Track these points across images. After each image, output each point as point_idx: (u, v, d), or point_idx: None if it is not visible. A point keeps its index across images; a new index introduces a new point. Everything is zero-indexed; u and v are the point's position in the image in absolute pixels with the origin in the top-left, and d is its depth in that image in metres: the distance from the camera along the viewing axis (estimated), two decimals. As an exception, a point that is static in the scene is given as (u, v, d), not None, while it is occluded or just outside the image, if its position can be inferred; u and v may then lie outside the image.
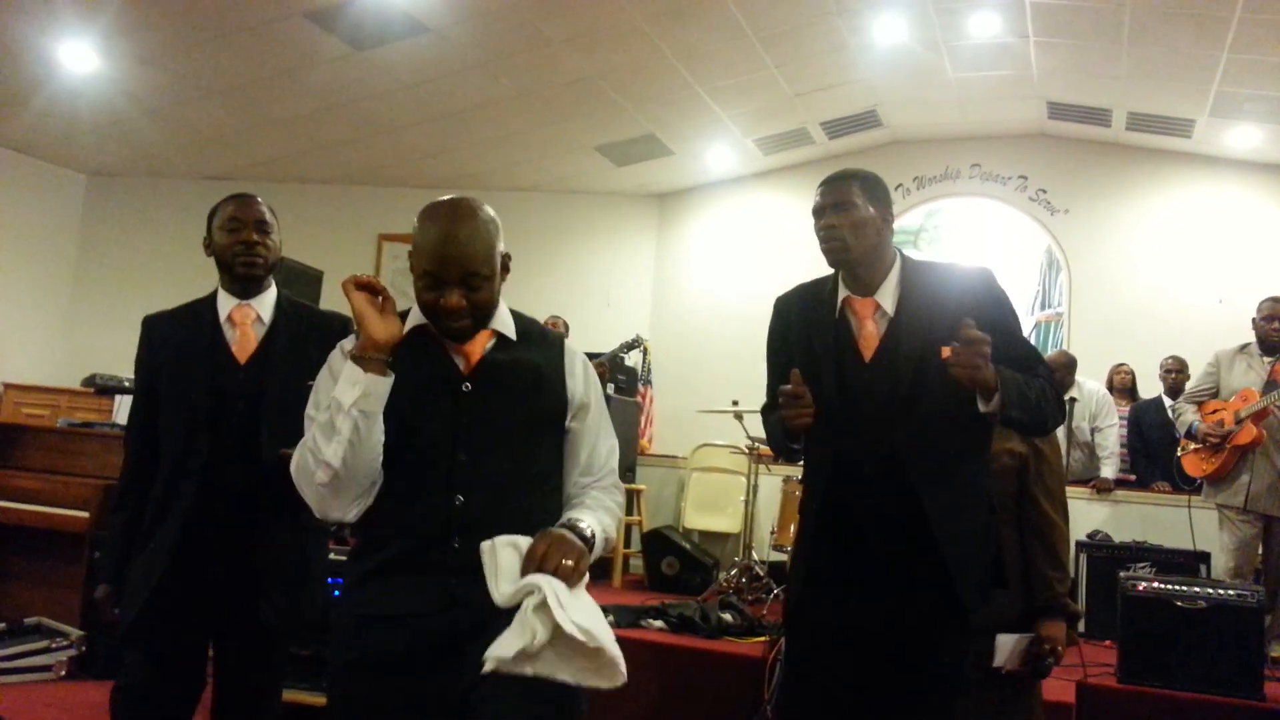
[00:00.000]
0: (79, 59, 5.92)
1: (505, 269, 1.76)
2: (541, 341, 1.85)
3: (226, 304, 2.30)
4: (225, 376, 2.24)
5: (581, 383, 1.85)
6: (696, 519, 6.14)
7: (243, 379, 2.25)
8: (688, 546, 5.53)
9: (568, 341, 1.87)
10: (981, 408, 1.98)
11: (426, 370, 1.72)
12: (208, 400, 2.22)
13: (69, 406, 6.69)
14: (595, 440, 1.85)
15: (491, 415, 1.71)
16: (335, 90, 6.38)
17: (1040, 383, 2.07)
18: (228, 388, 2.23)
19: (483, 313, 1.72)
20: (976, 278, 2.16)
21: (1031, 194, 7.50)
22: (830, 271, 2.24)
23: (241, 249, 2.27)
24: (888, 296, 2.15)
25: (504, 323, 1.80)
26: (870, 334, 2.14)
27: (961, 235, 7.75)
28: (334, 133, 7.12)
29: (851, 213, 2.14)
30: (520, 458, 1.73)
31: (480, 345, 1.76)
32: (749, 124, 7.22)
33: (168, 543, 2.16)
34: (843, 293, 2.19)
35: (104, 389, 6.59)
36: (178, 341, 2.30)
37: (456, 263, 1.66)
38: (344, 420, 1.57)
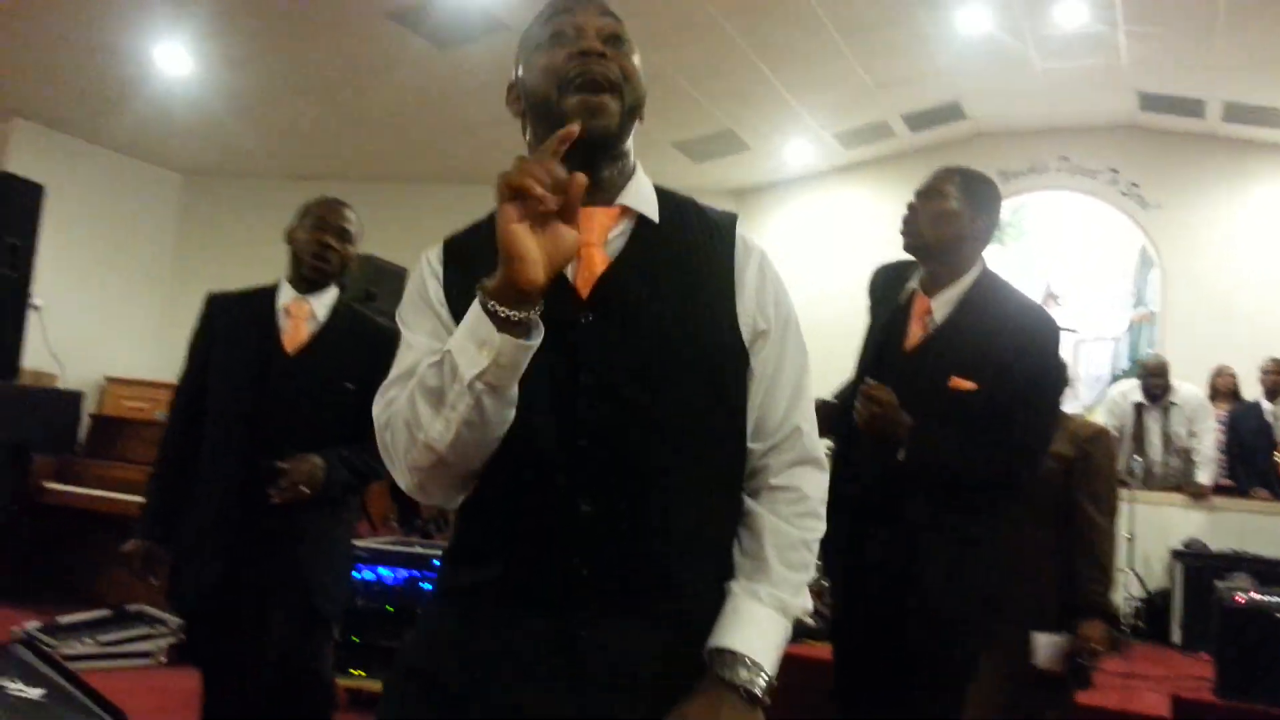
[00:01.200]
0: (174, 61, 6.13)
1: (639, 111, 1.22)
2: (700, 225, 1.26)
3: (286, 295, 2.39)
4: (271, 365, 2.32)
5: (755, 293, 1.24)
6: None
7: (286, 370, 2.32)
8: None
9: (740, 229, 1.29)
10: (898, 455, 1.97)
11: None
12: (250, 385, 2.31)
13: (167, 399, 6.94)
14: (771, 384, 1.24)
15: (629, 363, 1.14)
16: (419, 89, 6.50)
17: (981, 452, 2.00)
18: (270, 376, 2.30)
19: (627, 115, 1.19)
20: (1034, 327, 2.09)
21: (1123, 188, 7.29)
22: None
23: (316, 247, 2.36)
24: (944, 305, 2.10)
25: (641, 196, 1.23)
26: (914, 334, 2.11)
27: (1049, 230, 7.56)
28: (418, 131, 7.25)
29: (937, 202, 2.10)
30: (678, 421, 1.16)
31: (602, 232, 1.19)
32: (828, 117, 7.16)
33: (218, 541, 2.23)
34: (914, 284, 2.16)
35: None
36: (234, 322, 2.41)
37: (595, 2, 1.23)
38: (461, 395, 1.06)
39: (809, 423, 1.27)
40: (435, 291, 1.23)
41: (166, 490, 2.38)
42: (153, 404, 6.96)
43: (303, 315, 2.37)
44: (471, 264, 1.16)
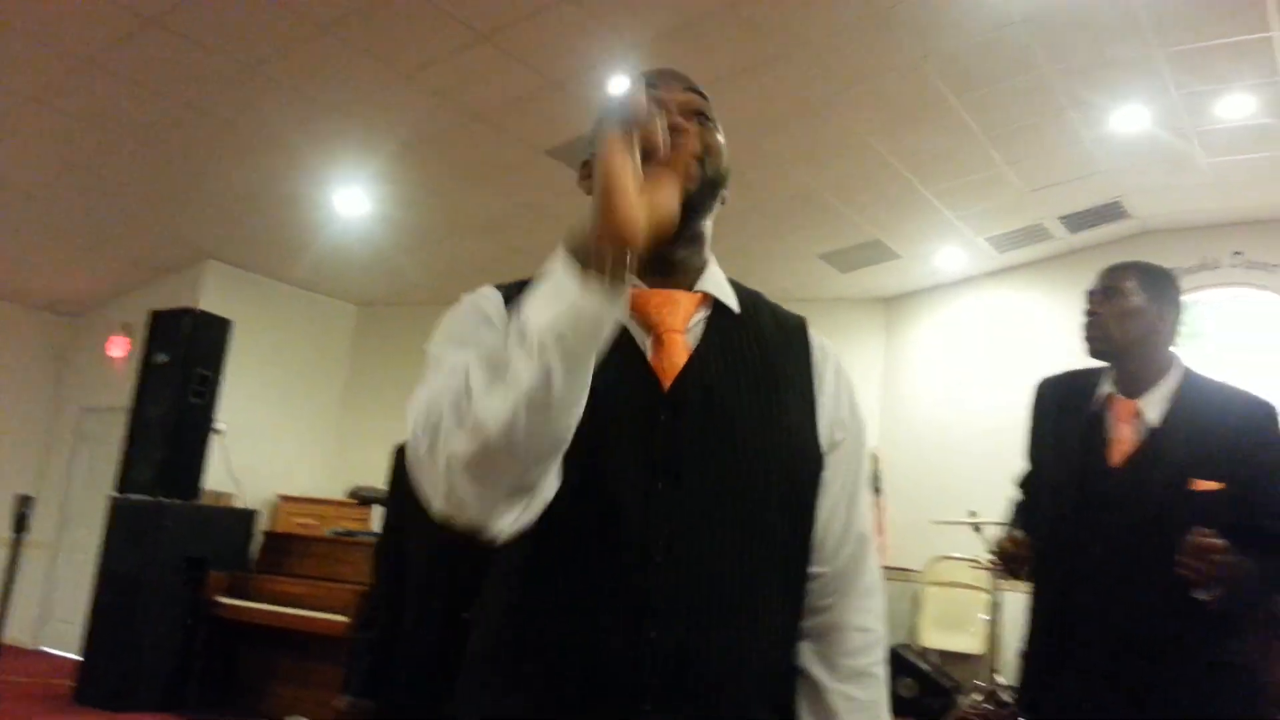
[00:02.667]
0: (352, 203, 6.59)
1: (720, 190, 1.16)
2: (776, 322, 1.19)
3: None
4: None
5: (833, 399, 1.16)
6: (935, 637, 5.83)
7: None
8: (926, 668, 5.24)
9: (811, 330, 1.23)
10: (1200, 595, 1.76)
11: (612, 361, 0.97)
12: (445, 542, 2.32)
13: (335, 516, 7.24)
14: (842, 495, 1.14)
15: (708, 472, 1.04)
16: (574, 218, 6.75)
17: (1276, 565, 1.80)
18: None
19: (707, 189, 1.11)
20: (1259, 413, 1.96)
21: (1304, 281, 6.86)
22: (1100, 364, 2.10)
23: None
24: (1155, 404, 1.98)
25: (720, 284, 1.16)
26: (1125, 439, 1.97)
27: (1227, 328, 7.14)
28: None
29: (1119, 301, 2.00)
30: (756, 537, 1.06)
31: (684, 317, 1.10)
32: (980, 223, 7.04)
33: (417, 693, 2.23)
34: (1106, 388, 2.04)
35: (365, 500, 7.09)
36: None
37: (680, 78, 1.17)
38: (527, 358, 0.86)
39: (869, 531, 1.18)
40: (497, 308, 1.13)
41: (376, 644, 2.41)
42: (321, 520, 7.27)
43: None
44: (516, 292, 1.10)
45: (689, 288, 1.14)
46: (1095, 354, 2.04)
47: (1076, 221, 7.08)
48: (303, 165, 6.13)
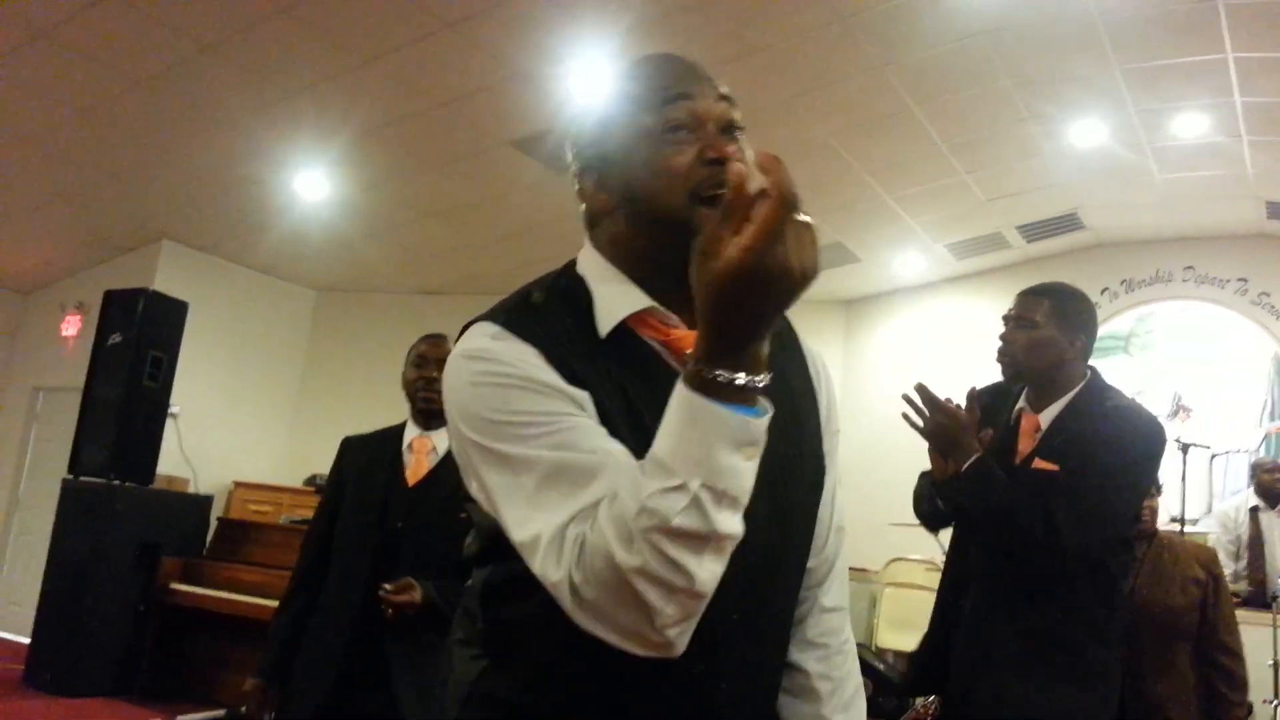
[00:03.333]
0: (312, 187, 6.54)
1: None
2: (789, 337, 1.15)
3: (411, 432, 2.51)
4: (394, 496, 2.40)
5: (828, 403, 1.16)
6: (890, 638, 5.91)
7: (405, 501, 2.40)
8: (881, 667, 5.32)
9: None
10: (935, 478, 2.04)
11: (658, 406, 0.87)
12: (375, 519, 2.39)
13: (291, 504, 7.19)
14: (830, 491, 1.16)
15: (758, 502, 0.91)
16: (536, 211, 6.76)
17: (1039, 511, 1.94)
18: (392, 508, 2.38)
19: None
20: (1127, 425, 2.06)
21: (1253, 298, 7.01)
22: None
23: (422, 384, 2.48)
24: (1049, 418, 2.14)
25: None
26: (1023, 451, 2.14)
27: (1176, 341, 7.30)
28: (536, 250, 7.51)
29: (1029, 332, 2.13)
30: (792, 562, 1.09)
31: None
32: (940, 230, 7.14)
33: (335, 654, 2.28)
34: (1020, 404, 2.21)
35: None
36: (365, 462, 2.52)
37: (707, 79, 1.05)
38: (728, 515, 0.82)
39: (844, 519, 1.20)
40: (539, 368, 0.93)
41: (290, 631, 2.46)
42: (277, 508, 7.21)
43: (424, 450, 2.47)
44: (579, 372, 0.95)
45: None
46: (1008, 377, 2.18)
47: (1033, 231, 7.20)
48: (261, 147, 6.07)
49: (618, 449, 0.90)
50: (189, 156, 6.23)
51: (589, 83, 5.11)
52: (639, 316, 1.02)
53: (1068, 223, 7.11)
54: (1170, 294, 7.32)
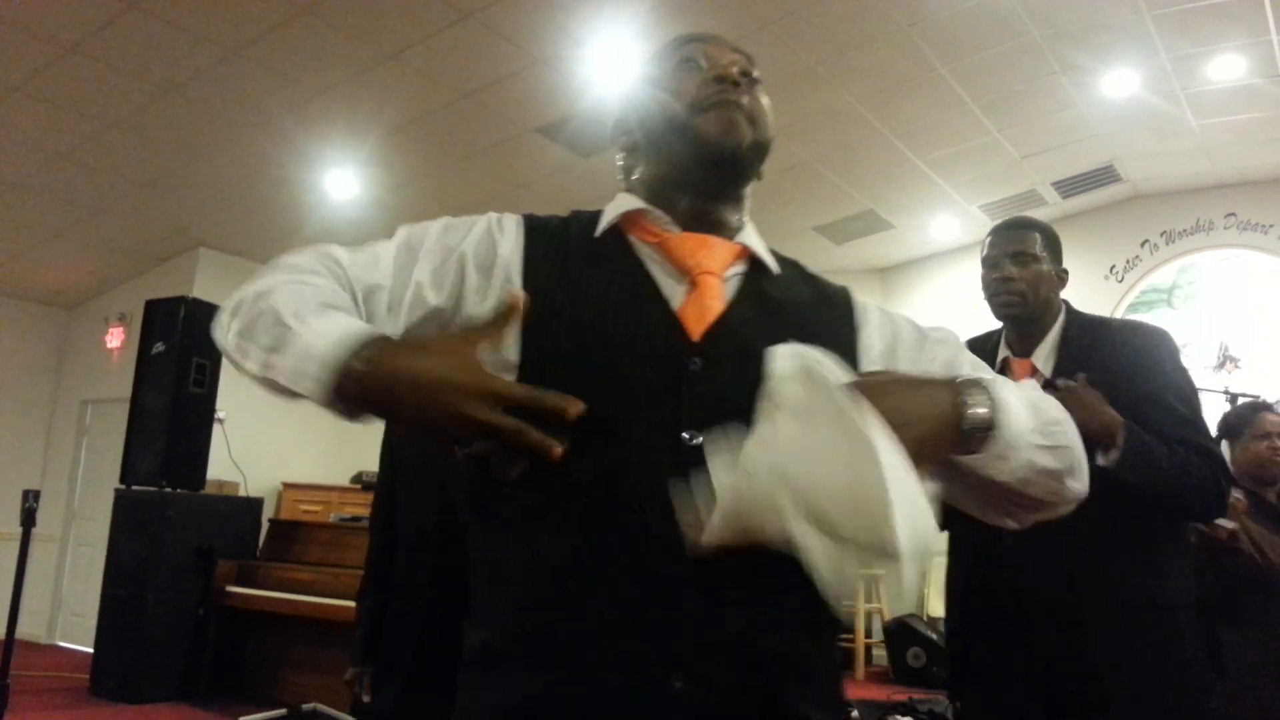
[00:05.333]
0: (342, 187, 6.58)
1: (765, 155, 1.13)
2: (814, 290, 1.13)
3: None
4: (454, 481, 2.32)
5: (882, 355, 1.09)
6: (942, 607, 5.87)
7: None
8: (934, 637, 5.28)
9: (854, 292, 1.16)
10: (1100, 460, 1.73)
11: (634, 304, 1.01)
12: (437, 503, 2.32)
13: (339, 503, 7.27)
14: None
15: (743, 420, 0.91)
16: (562, 196, 6.75)
17: (1185, 456, 1.79)
18: (455, 495, 2.30)
19: (758, 153, 1.08)
20: (1145, 340, 1.97)
21: (1299, 241, 6.86)
22: (996, 326, 2.14)
23: None
24: (1044, 357, 2.01)
25: (758, 243, 1.11)
26: None
27: (1221, 291, 7.16)
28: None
29: (1032, 266, 2.03)
30: None
31: (722, 264, 1.05)
32: (973, 192, 7.04)
33: (403, 660, 2.26)
34: (1003, 352, 2.08)
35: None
36: (418, 443, 2.41)
37: (725, 40, 1.13)
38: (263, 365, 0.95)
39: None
40: (508, 247, 1.06)
41: (372, 611, 2.44)
42: (326, 506, 7.29)
43: None
44: (563, 261, 1.05)
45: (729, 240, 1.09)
46: (1007, 318, 2.07)
47: (1069, 187, 7.08)
48: (291, 148, 6.11)
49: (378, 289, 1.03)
50: (221, 161, 6.29)
51: (612, 63, 5.09)
52: (638, 222, 1.09)
53: (1104, 176, 6.98)
54: (1212, 243, 7.17)
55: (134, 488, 5.96)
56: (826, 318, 1.09)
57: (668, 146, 1.09)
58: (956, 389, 0.93)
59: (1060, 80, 5.58)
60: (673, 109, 1.08)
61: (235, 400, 6.86)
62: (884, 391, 0.88)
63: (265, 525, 6.32)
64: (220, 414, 6.38)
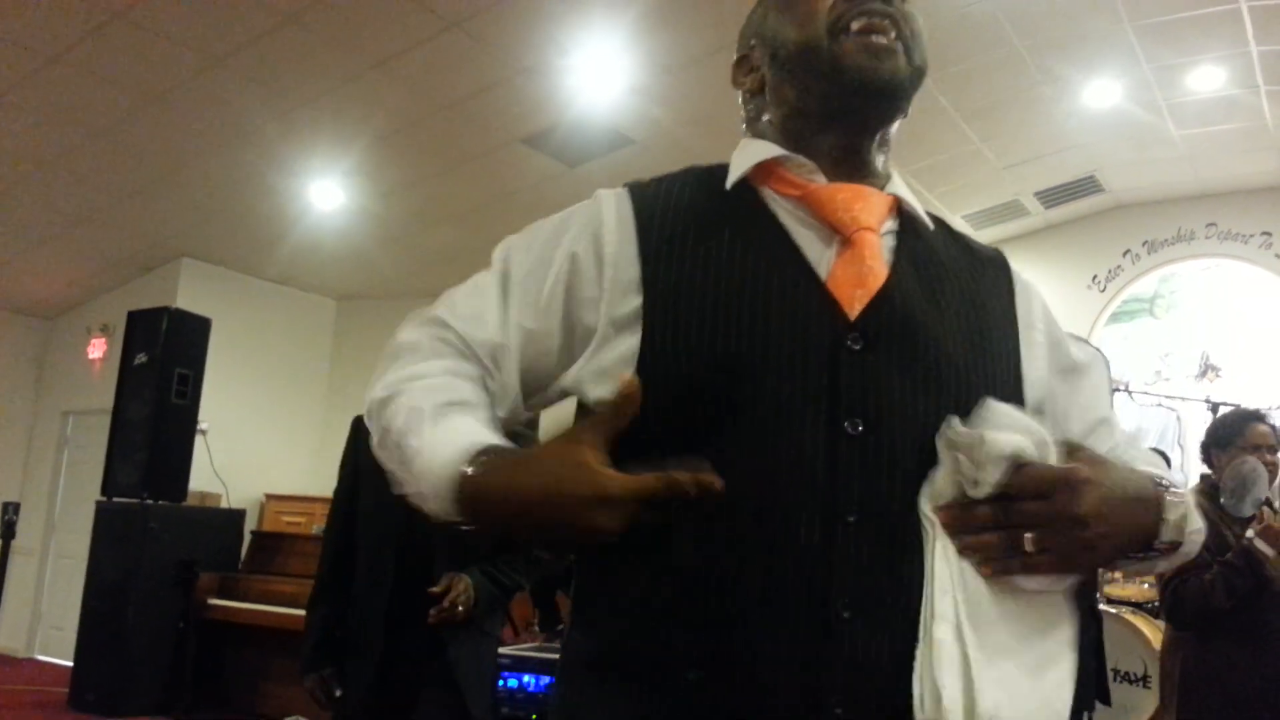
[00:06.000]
0: (327, 196, 6.56)
1: (921, 83, 1.00)
2: (969, 252, 1.00)
3: None
4: None
5: (1047, 354, 0.98)
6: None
7: None
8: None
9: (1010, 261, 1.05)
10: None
11: (767, 290, 0.86)
12: (399, 508, 2.30)
13: (323, 514, 7.20)
14: (1091, 415, 1.00)
15: (910, 412, 0.85)
16: (549, 206, 6.68)
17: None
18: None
19: (915, 79, 0.95)
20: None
21: (1278, 250, 6.91)
22: None
23: None
24: None
25: (904, 189, 0.97)
26: None
27: (1202, 300, 7.21)
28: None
29: None
30: None
31: (880, 218, 0.92)
32: (957, 201, 7.07)
33: (374, 653, 2.27)
34: None
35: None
36: None
37: None
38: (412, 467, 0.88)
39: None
40: (609, 237, 0.91)
41: (325, 620, 2.44)
42: (309, 518, 7.24)
43: None
44: (686, 228, 0.90)
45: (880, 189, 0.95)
46: None
47: (1052, 197, 7.13)
48: (276, 158, 6.09)
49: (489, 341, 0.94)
50: (205, 171, 6.26)
51: (598, 73, 5.09)
52: (774, 172, 0.94)
53: (1086, 186, 7.03)
54: (1193, 252, 7.23)
55: (115, 499, 5.91)
56: (988, 286, 0.97)
57: (804, 80, 0.93)
58: (1160, 501, 0.86)
59: (1042, 90, 5.62)
60: (808, 34, 0.92)
61: (218, 411, 6.82)
62: (1098, 488, 0.80)
63: (248, 537, 6.27)
64: (203, 425, 6.33)
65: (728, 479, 0.79)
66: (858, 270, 0.87)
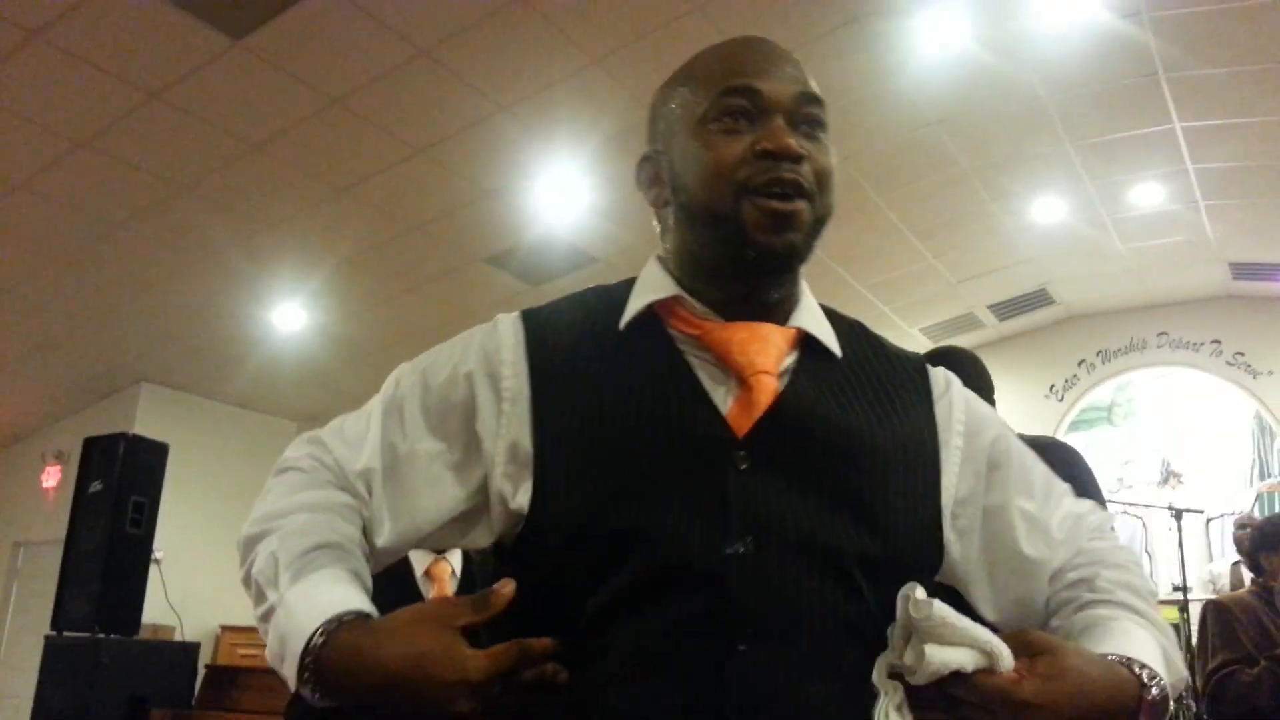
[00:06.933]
0: (289, 319, 6.56)
1: (826, 224, 0.97)
2: (886, 364, 1.00)
3: (422, 560, 2.18)
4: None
5: (964, 434, 0.97)
6: None
7: None
8: None
9: (930, 366, 1.04)
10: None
11: (670, 404, 0.88)
12: None
13: (280, 645, 6.99)
14: (1037, 507, 0.97)
15: (797, 526, 0.84)
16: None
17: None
18: None
19: (815, 229, 0.92)
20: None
21: (1229, 358, 7.09)
22: None
23: None
24: None
25: (815, 319, 0.97)
26: None
27: (1159, 407, 7.33)
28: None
29: None
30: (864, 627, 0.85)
31: (778, 356, 0.91)
32: (914, 314, 7.22)
33: None
34: None
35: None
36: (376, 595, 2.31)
37: (788, 75, 0.92)
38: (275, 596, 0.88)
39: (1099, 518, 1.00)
40: (508, 368, 0.91)
41: None
42: (264, 650, 7.00)
43: (444, 576, 2.17)
44: (577, 364, 0.90)
45: (781, 323, 0.93)
46: None
47: (1005, 309, 7.30)
48: (239, 283, 6.11)
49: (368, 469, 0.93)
50: (167, 296, 6.25)
51: (560, 195, 5.20)
52: (671, 309, 0.93)
53: (1038, 299, 7.21)
54: (1146, 361, 7.39)
55: (65, 634, 5.68)
56: (905, 394, 0.96)
57: (705, 236, 0.92)
58: (1140, 683, 0.82)
59: (991, 208, 5.82)
60: (713, 195, 0.89)
61: (173, 539, 6.66)
62: (1042, 712, 0.77)
63: (202, 671, 6.04)
64: (158, 554, 6.16)
65: (628, 619, 0.81)
66: (750, 402, 0.87)
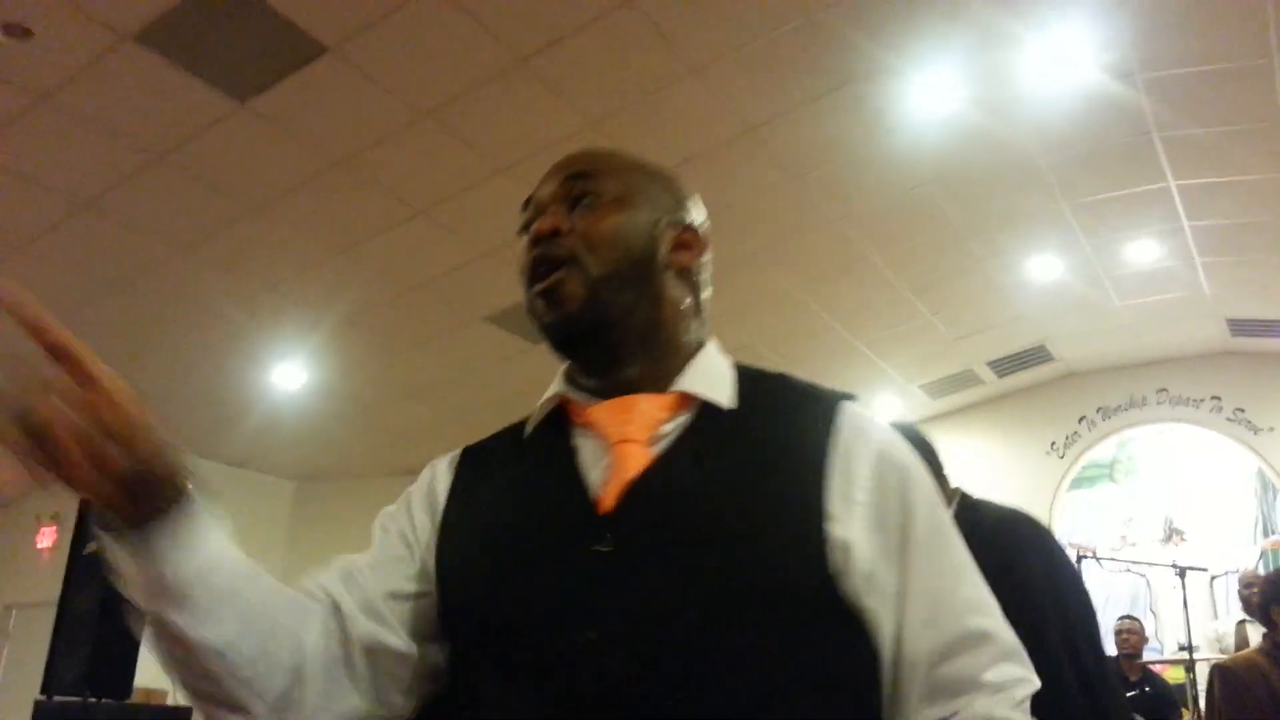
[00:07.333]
0: (289, 378, 6.55)
1: (686, 244, 0.96)
2: (795, 412, 0.91)
3: None
4: None
5: (869, 494, 0.86)
6: None
7: None
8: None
9: (850, 405, 0.94)
10: None
11: (545, 488, 0.90)
12: None
13: (273, 707, 6.87)
14: (903, 604, 0.84)
15: (657, 613, 0.79)
16: (512, 382, 6.78)
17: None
18: None
19: (603, 286, 0.89)
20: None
21: (1229, 414, 7.07)
22: None
23: None
24: None
25: (709, 378, 0.93)
26: None
27: (1161, 464, 7.30)
28: (513, 419, 7.50)
29: None
30: (742, 685, 0.77)
31: (649, 425, 0.89)
32: (913, 371, 7.22)
33: None
34: None
35: None
36: None
37: (563, 168, 0.98)
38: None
39: (994, 619, 0.86)
40: (440, 483, 0.99)
41: None
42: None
43: None
44: (488, 470, 0.98)
45: (661, 391, 0.90)
46: None
47: (1004, 366, 7.30)
48: (239, 342, 6.12)
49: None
50: (166, 356, 6.25)
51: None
52: (568, 405, 0.96)
53: (1037, 355, 7.22)
54: (1146, 418, 7.38)
55: (55, 698, 5.59)
56: (804, 446, 0.87)
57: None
58: None
59: (987, 265, 5.85)
60: (523, 287, 0.95)
61: (169, 600, 6.55)
62: None
63: (194, 735, 5.93)
64: (152, 615, 6.08)
65: (506, 709, 0.82)
66: (619, 480, 0.85)
